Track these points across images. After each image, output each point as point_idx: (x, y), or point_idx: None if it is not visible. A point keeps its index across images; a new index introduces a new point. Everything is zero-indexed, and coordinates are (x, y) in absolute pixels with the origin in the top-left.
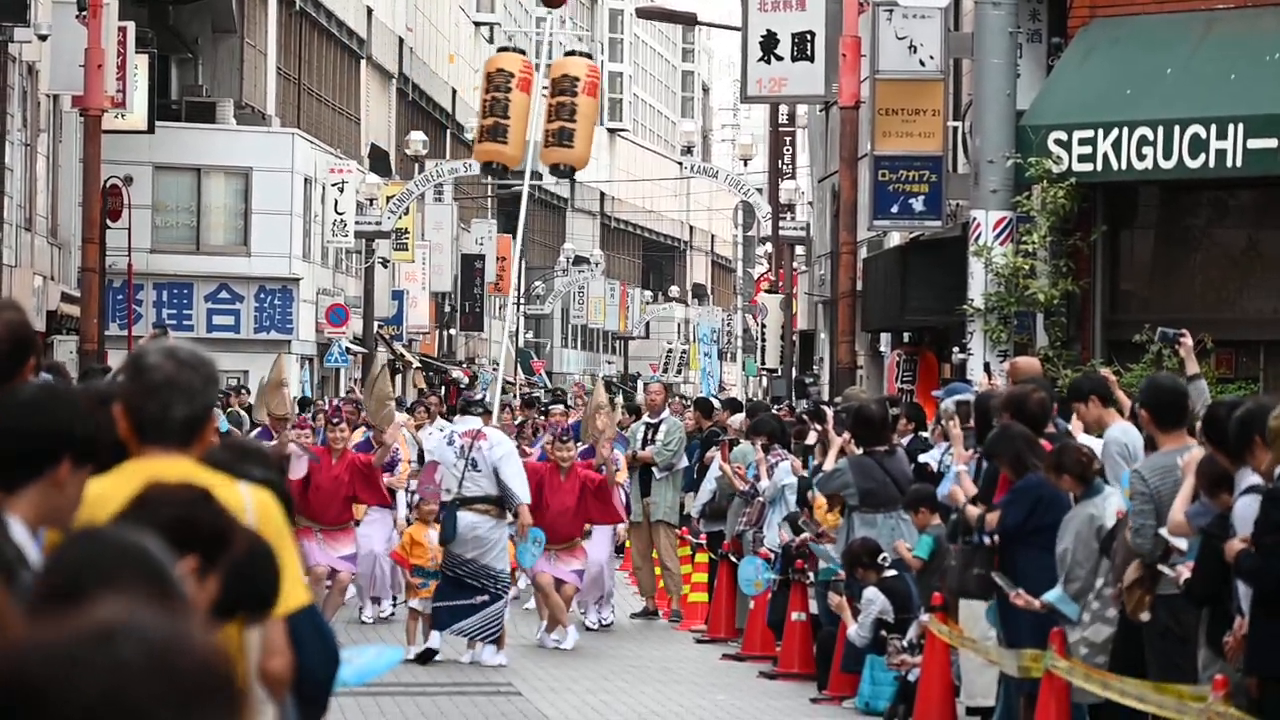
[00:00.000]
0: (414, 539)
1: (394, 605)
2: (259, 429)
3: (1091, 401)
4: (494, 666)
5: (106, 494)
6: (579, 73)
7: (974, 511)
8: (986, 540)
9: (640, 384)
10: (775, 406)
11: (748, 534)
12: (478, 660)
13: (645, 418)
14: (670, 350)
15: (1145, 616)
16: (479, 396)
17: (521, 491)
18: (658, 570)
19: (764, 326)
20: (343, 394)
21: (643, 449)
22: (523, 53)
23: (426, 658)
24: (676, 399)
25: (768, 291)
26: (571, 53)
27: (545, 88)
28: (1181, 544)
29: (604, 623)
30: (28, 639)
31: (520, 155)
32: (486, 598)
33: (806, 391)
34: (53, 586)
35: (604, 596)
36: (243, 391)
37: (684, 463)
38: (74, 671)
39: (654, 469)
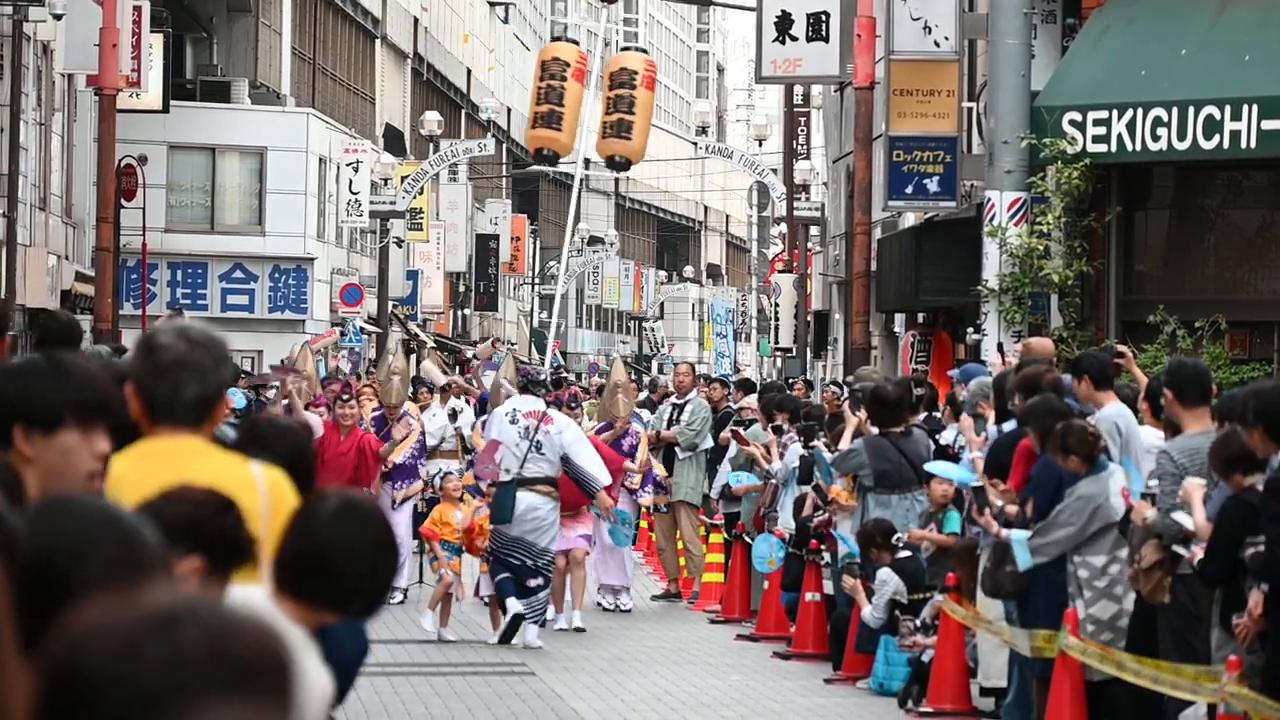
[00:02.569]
0: (442, 517)
1: (404, 593)
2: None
3: (1084, 381)
4: (535, 648)
5: (118, 474)
6: (636, 66)
7: (1013, 510)
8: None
9: (655, 364)
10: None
11: (764, 514)
12: (523, 643)
13: (672, 398)
14: (652, 329)
15: (1166, 599)
16: (542, 376)
17: (601, 475)
18: (679, 546)
19: (777, 306)
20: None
21: (667, 429)
22: (576, 43)
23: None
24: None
25: (782, 271)
26: (628, 48)
27: (576, 69)
28: (1191, 524)
29: (622, 608)
30: (84, 626)
31: (572, 143)
32: (542, 580)
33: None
34: (30, 555)
35: (622, 585)
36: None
37: (708, 443)
38: (135, 659)
39: (677, 449)
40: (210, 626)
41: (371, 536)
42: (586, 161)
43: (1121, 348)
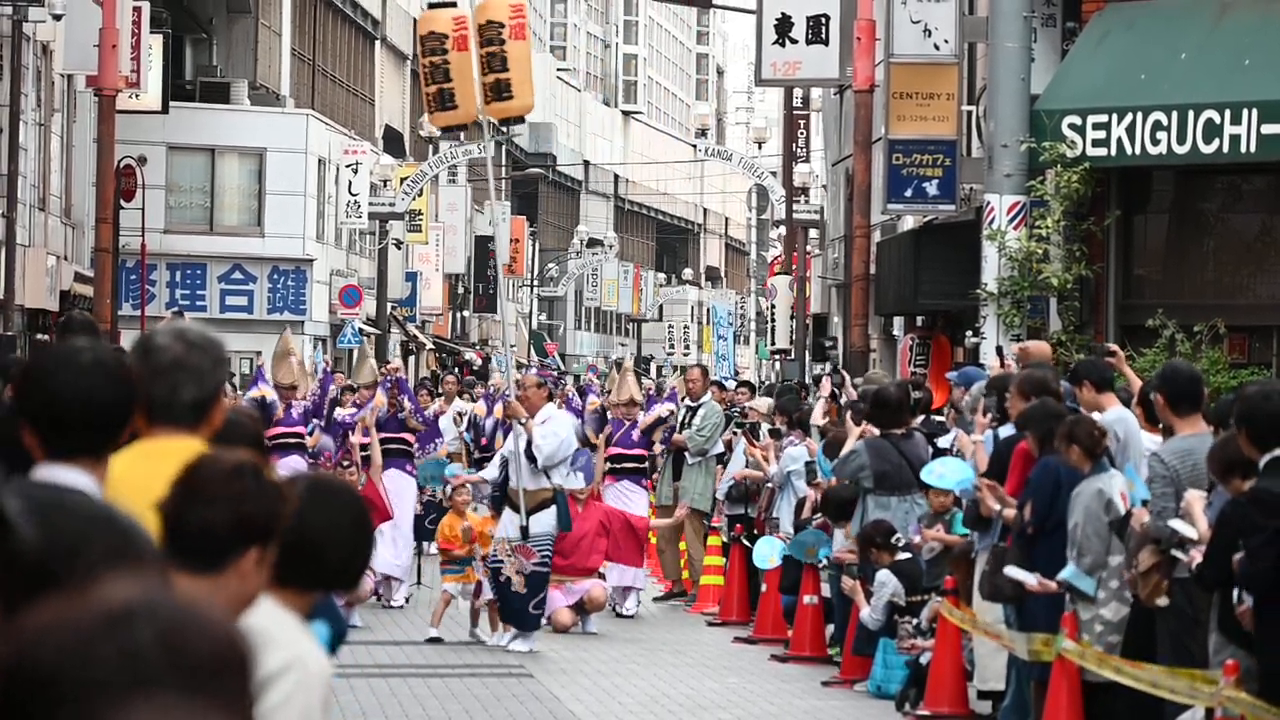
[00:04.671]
0: (451, 530)
1: (408, 594)
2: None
3: (1085, 386)
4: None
5: (116, 474)
6: (502, 17)
7: (1011, 514)
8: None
9: (653, 367)
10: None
11: (762, 517)
12: (504, 644)
13: (686, 401)
14: (671, 328)
15: (1163, 602)
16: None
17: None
18: (682, 546)
19: (773, 308)
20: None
21: (679, 432)
22: (453, 4)
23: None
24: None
25: (779, 274)
26: None
27: (456, 38)
28: (1192, 533)
29: (626, 612)
30: (39, 624)
31: (473, 111)
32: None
33: (826, 355)
34: (25, 557)
35: (630, 588)
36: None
37: (718, 449)
38: (87, 657)
39: (686, 453)
40: (164, 624)
41: (346, 513)
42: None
43: (1113, 347)
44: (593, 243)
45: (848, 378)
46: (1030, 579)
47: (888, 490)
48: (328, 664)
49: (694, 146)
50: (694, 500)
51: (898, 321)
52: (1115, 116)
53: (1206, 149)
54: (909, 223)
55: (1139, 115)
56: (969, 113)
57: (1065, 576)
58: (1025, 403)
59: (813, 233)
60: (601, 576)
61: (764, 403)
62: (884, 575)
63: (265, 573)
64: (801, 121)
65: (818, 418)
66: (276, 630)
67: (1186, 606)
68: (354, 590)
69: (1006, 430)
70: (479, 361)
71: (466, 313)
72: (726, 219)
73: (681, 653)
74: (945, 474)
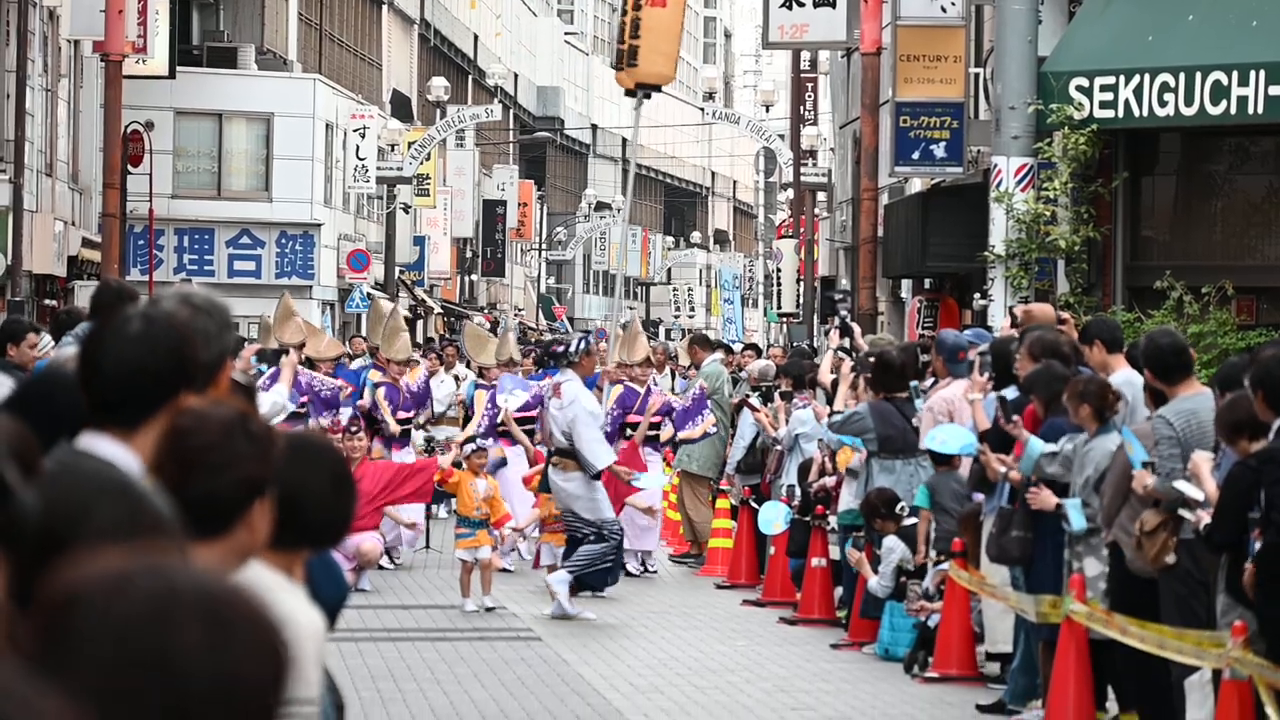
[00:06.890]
0: (465, 489)
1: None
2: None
3: (1096, 346)
4: (574, 616)
5: None
6: None
7: (1017, 476)
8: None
9: (662, 331)
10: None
11: (769, 480)
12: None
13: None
14: (675, 290)
15: (1171, 560)
16: (562, 348)
17: (596, 456)
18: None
19: (779, 271)
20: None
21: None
22: None
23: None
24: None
25: (785, 237)
26: None
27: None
28: (1198, 494)
29: (650, 570)
30: (77, 602)
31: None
32: (593, 546)
33: (835, 309)
34: (28, 523)
35: (646, 550)
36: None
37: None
38: (126, 589)
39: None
40: (203, 597)
41: (327, 470)
42: (593, 127)
43: (1065, 314)
44: (600, 206)
45: (857, 330)
46: (1050, 500)
47: (892, 454)
48: (319, 620)
49: (702, 110)
50: (697, 467)
51: (905, 284)
52: (1122, 78)
53: (1214, 110)
54: (916, 185)
55: (1146, 77)
56: (976, 75)
57: (1065, 502)
58: (1034, 364)
59: (820, 195)
60: None
61: (758, 365)
62: (891, 541)
63: (269, 516)
64: (809, 84)
65: (825, 373)
66: (265, 590)
67: (1193, 568)
68: (339, 543)
69: (1010, 393)
70: (487, 325)
71: (474, 276)
72: (734, 182)
73: (690, 616)
74: (947, 440)
